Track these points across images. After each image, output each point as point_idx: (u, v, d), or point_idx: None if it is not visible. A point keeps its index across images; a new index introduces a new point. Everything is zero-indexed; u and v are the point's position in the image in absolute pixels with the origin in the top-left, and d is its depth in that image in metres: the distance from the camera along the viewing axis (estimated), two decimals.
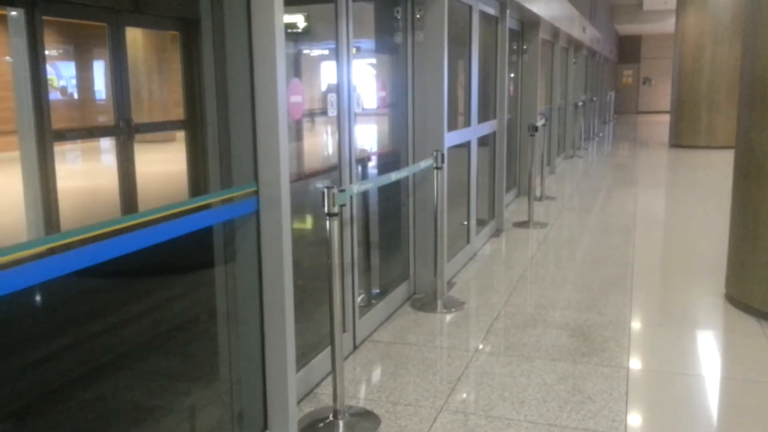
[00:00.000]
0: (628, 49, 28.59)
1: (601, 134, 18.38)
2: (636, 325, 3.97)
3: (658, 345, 3.70)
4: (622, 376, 3.24)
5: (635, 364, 3.40)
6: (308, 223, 4.15)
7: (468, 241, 5.44)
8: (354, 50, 3.51)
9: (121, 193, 4.75)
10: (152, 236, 1.94)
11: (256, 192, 2.44)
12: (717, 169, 10.76)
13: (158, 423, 2.82)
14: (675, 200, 8.58)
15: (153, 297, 4.23)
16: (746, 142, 4.08)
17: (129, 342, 3.62)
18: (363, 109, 3.94)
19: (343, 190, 2.81)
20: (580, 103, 13.44)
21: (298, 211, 3.52)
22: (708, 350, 3.61)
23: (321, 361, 3.19)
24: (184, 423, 2.91)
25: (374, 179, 3.65)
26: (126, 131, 4.91)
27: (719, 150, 12.72)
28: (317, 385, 3.15)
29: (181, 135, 5.59)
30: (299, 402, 2.96)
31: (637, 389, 3.12)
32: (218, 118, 2.44)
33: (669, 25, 16.52)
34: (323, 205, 2.69)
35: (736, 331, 3.87)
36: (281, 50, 2.37)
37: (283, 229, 2.46)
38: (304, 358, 3.10)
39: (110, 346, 3.49)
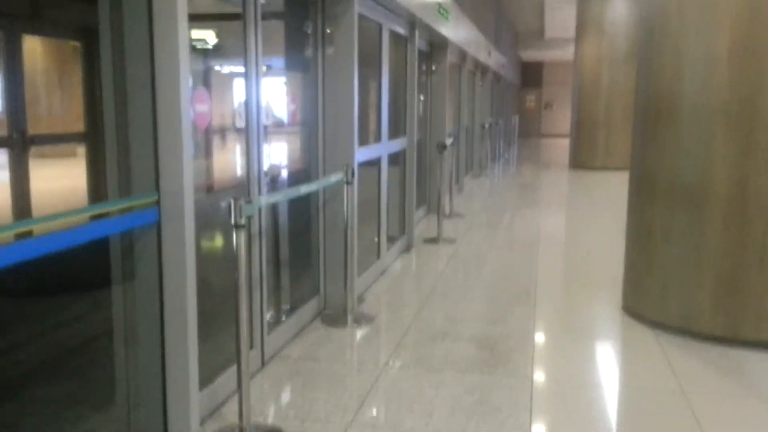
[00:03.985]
0: (531, 75, 29.73)
1: (506, 155, 18.99)
2: (540, 336, 4.08)
3: (560, 355, 3.81)
4: (527, 387, 3.31)
5: (539, 374, 3.49)
6: (218, 240, 4.04)
7: (378, 257, 5.46)
8: (264, 68, 3.47)
9: (13, 208, 4.47)
10: (43, 246, 1.82)
11: (158, 202, 2.35)
12: (614, 188, 11.29)
13: None
14: (575, 218, 8.95)
15: (48, 318, 3.99)
16: (640, 162, 4.30)
17: (22, 367, 3.40)
18: (274, 124, 3.89)
19: (250, 202, 2.75)
20: (487, 125, 13.85)
21: (208, 227, 3.42)
22: (607, 360, 3.75)
23: (227, 378, 3.09)
24: None
25: (283, 192, 3.60)
26: (20, 143, 4.64)
27: (616, 171, 13.38)
28: (223, 403, 3.05)
29: (83, 150, 5.37)
30: (204, 421, 2.86)
31: (540, 398, 3.20)
32: (117, 125, 2.34)
33: (568, 53, 17.37)
34: (230, 217, 2.62)
35: (632, 340, 4.04)
36: (185, 53, 2.30)
37: (186, 241, 2.38)
38: (211, 376, 2.99)
39: (1, 373, 3.26)
